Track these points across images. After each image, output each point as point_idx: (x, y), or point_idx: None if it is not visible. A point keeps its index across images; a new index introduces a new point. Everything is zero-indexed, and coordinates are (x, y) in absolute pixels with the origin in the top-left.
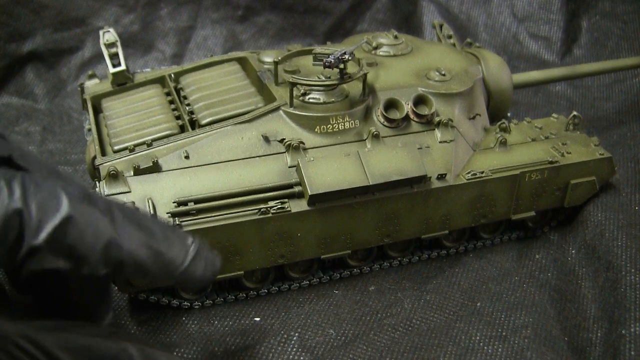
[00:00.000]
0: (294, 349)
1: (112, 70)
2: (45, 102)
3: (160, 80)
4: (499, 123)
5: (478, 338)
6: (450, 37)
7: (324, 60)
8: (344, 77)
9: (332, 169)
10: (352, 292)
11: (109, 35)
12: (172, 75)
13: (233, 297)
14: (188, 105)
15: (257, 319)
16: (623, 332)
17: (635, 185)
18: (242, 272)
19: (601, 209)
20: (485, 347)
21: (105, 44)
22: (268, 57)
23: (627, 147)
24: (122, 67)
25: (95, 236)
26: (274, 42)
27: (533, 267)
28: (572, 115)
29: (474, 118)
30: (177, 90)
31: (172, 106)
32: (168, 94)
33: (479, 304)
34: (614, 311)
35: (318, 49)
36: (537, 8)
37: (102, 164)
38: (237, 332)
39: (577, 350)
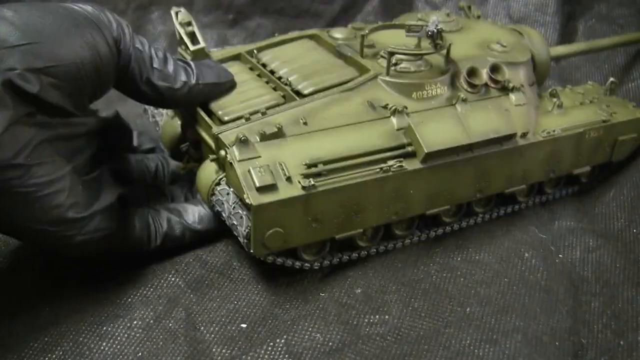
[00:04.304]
0: (281, 355)
1: (192, 48)
2: None
3: (236, 58)
4: (549, 90)
5: (468, 342)
6: (479, 17)
7: (428, 30)
8: (436, 46)
9: (438, 129)
10: (338, 295)
11: (182, 15)
12: (255, 51)
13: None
14: (280, 78)
15: (244, 325)
16: (621, 342)
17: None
18: (361, 229)
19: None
20: (476, 351)
21: (180, 24)
22: (339, 34)
23: None
24: (202, 44)
25: None
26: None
27: (522, 267)
28: (610, 81)
29: (532, 85)
30: (261, 66)
31: (264, 79)
32: (251, 69)
33: (468, 309)
34: (606, 314)
35: (409, 21)
36: (533, 10)
37: (221, 132)
38: (223, 341)
39: (569, 353)
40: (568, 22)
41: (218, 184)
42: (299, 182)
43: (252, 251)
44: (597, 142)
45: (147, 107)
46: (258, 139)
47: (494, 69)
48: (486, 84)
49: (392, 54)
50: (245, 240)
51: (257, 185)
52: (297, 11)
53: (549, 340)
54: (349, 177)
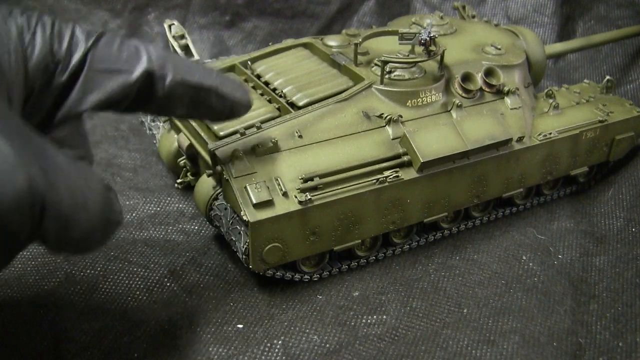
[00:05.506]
0: (278, 356)
1: None
2: None
3: (231, 69)
4: (545, 90)
5: (466, 343)
6: (474, 16)
7: (420, 38)
8: (430, 53)
9: (434, 137)
10: (335, 298)
11: (175, 28)
12: (249, 63)
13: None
14: (274, 89)
15: (240, 326)
16: (620, 343)
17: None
18: (359, 240)
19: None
20: (474, 352)
21: (174, 37)
22: (332, 41)
23: None
24: (196, 57)
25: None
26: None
27: (520, 270)
28: (606, 79)
29: (528, 86)
30: (255, 77)
31: (259, 91)
32: (245, 80)
33: (465, 310)
34: (605, 315)
35: (401, 29)
36: (532, 11)
37: (217, 148)
38: (219, 340)
39: (567, 353)
40: (567, 23)
41: (216, 198)
42: (296, 197)
43: (251, 267)
44: (594, 142)
45: (143, 119)
46: (254, 154)
47: (489, 72)
48: (481, 89)
49: (385, 62)
50: (244, 256)
51: (254, 201)
52: (293, 12)
53: (547, 341)
54: (346, 190)
